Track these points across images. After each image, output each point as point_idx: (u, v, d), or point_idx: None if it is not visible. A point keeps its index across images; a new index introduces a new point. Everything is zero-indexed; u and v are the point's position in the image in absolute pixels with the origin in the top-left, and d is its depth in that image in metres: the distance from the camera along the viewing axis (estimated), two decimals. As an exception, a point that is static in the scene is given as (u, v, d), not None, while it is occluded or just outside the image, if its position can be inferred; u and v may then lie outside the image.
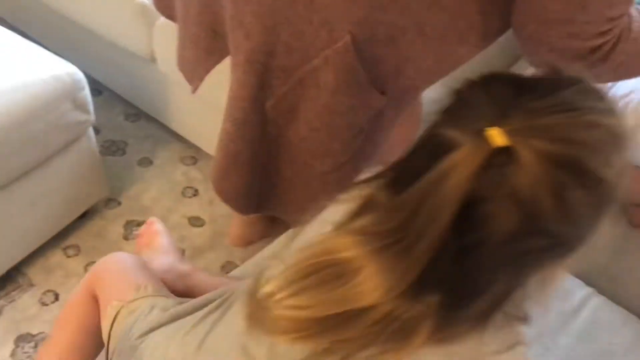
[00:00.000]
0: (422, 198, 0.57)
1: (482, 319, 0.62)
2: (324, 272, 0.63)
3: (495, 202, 0.55)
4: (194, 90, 1.12)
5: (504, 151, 0.54)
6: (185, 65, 1.13)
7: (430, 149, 0.60)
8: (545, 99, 0.56)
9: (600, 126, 0.56)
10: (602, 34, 0.78)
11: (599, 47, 0.79)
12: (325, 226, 0.70)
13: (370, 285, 0.60)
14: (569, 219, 0.56)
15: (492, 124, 0.55)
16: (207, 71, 1.07)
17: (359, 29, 0.86)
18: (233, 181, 1.07)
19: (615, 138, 0.57)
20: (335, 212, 0.71)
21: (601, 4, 0.76)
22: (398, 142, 1.19)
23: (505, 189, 0.54)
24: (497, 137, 0.54)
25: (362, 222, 0.64)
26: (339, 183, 1.06)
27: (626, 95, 1.21)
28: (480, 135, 0.55)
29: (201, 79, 1.09)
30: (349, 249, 0.62)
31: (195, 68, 1.09)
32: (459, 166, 0.55)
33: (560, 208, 0.55)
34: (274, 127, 1.00)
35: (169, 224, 1.69)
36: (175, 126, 1.85)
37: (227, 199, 1.11)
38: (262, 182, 1.06)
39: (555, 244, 0.58)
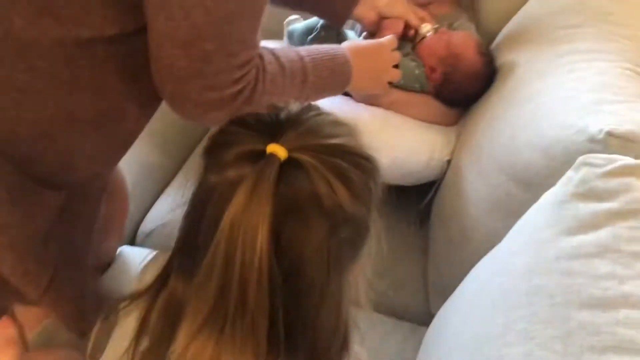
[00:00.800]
0: (225, 254, 0.54)
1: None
2: None
3: (302, 213, 0.56)
4: None
5: (288, 163, 0.55)
6: None
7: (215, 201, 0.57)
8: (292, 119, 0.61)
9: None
10: (237, 80, 0.78)
11: (239, 92, 0.80)
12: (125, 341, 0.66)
13: None
14: (359, 198, 0.59)
15: (264, 145, 0.56)
16: None
17: None
18: None
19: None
20: (128, 322, 0.66)
21: (223, 54, 0.75)
22: (111, 222, 1.09)
23: (303, 194, 0.55)
24: (278, 150, 0.55)
25: (187, 318, 0.58)
26: (61, 301, 0.92)
27: None
28: (258, 159, 0.55)
29: None
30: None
31: None
32: (254, 193, 0.53)
33: (350, 190, 0.57)
34: None
35: None
36: None
37: None
38: None
39: (357, 227, 0.60)
